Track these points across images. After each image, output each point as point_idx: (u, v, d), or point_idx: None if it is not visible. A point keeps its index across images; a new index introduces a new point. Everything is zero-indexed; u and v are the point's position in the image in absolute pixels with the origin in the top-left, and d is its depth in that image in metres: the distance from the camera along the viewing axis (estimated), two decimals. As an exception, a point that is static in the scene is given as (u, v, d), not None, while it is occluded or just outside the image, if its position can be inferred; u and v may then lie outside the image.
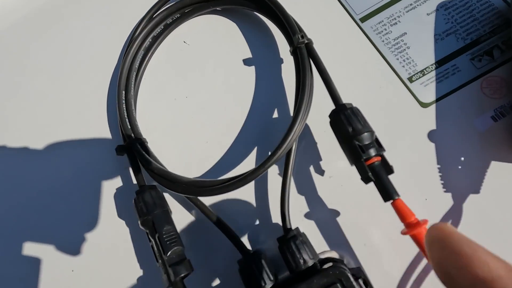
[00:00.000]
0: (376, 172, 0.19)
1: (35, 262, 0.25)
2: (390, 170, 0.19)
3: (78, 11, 0.32)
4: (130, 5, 0.31)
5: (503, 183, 0.22)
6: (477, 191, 0.22)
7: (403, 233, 0.18)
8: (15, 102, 0.30)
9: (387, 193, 0.18)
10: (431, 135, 0.23)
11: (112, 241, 0.25)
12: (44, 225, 0.26)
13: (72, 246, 0.25)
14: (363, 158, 0.19)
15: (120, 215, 0.25)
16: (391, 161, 0.19)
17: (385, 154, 0.20)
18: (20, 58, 0.31)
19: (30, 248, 0.25)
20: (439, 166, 0.23)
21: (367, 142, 0.19)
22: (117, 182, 0.27)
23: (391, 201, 0.18)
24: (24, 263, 0.25)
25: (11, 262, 0.25)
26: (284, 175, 0.23)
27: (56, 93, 0.30)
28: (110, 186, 0.26)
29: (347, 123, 0.20)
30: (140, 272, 0.24)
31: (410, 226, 0.18)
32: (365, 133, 0.19)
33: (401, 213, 0.18)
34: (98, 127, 0.28)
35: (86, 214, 0.26)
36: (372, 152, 0.19)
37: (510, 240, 0.21)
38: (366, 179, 0.19)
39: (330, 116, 0.21)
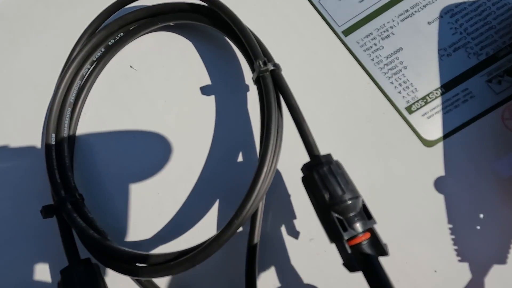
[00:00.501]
0: (364, 257, 0.13)
1: None
2: (383, 251, 0.14)
3: (4, 36, 0.27)
4: (67, 24, 0.26)
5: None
6: (502, 260, 0.16)
7: None
8: None
9: (377, 280, 0.13)
10: (439, 184, 0.18)
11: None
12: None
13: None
14: (344, 239, 0.14)
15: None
16: (382, 225, 0.14)
17: (376, 225, 0.15)
18: None
19: None
20: (450, 226, 0.17)
21: (350, 214, 0.14)
22: (48, 254, 0.21)
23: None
24: None
25: None
26: (250, 242, 0.18)
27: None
28: (41, 261, 0.21)
29: (323, 187, 0.14)
30: None
31: None
32: (348, 202, 0.14)
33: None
34: (30, 181, 0.23)
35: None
36: (358, 227, 0.14)
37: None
38: (349, 268, 0.14)
39: (302, 170, 0.16)
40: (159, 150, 0.22)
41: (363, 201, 0.15)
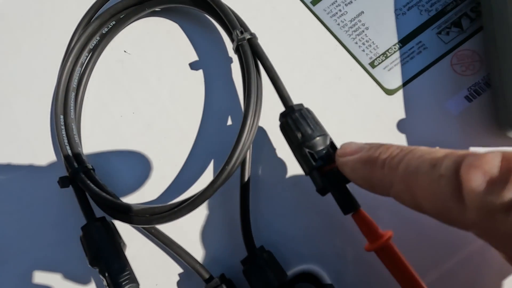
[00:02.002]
0: (332, 182, 0.16)
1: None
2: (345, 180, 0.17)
3: (4, 29, 0.29)
4: (64, 14, 0.28)
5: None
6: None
7: (366, 249, 0.16)
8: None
9: (345, 205, 0.16)
10: (401, 125, 0.21)
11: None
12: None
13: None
14: (314, 166, 0.16)
15: (72, 254, 0.23)
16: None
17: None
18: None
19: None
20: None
21: (319, 148, 0.17)
22: (68, 217, 0.24)
23: (352, 213, 0.16)
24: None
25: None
26: (242, 190, 0.20)
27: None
28: (60, 222, 0.24)
29: (295, 128, 0.17)
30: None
31: (373, 241, 0.15)
32: (317, 138, 0.17)
33: (362, 227, 0.16)
34: (44, 158, 0.26)
35: (30, 258, 0.23)
36: (323, 159, 0.17)
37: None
38: (321, 191, 0.17)
39: (279, 119, 0.19)
40: (156, 123, 0.25)
41: (330, 138, 0.17)
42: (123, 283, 0.19)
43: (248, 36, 0.21)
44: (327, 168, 0.16)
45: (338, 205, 0.16)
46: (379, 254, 0.15)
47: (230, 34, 0.22)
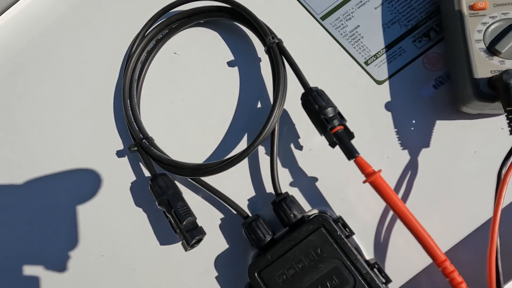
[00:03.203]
0: (340, 138, 0.24)
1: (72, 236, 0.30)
2: (351, 135, 0.24)
3: (77, 35, 0.37)
4: (124, 25, 0.36)
5: (445, 136, 0.27)
6: (427, 145, 0.27)
7: (364, 182, 0.23)
8: (35, 118, 0.34)
9: (350, 152, 0.23)
10: (387, 106, 0.28)
11: (132, 226, 0.29)
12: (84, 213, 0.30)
13: (98, 235, 0.30)
14: (328, 128, 0.24)
15: (138, 203, 0.30)
16: (354, 130, 0.24)
17: (348, 124, 0.25)
18: (25, 88, 0.36)
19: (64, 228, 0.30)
20: (396, 129, 0.28)
21: (331, 115, 0.24)
22: (131, 176, 0.31)
23: (353, 159, 0.23)
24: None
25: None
26: (271, 152, 0.27)
27: (69, 108, 0.34)
28: (125, 181, 0.31)
29: (314, 102, 0.25)
30: (160, 247, 0.29)
31: (368, 175, 0.22)
32: (329, 108, 0.24)
33: (361, 167, 0.23)
34: (108, 133, 0.33)
35: (109, 205, 0.30)
36: (336, 122, 0.24)
37: (453, 178, 0.26)
38: (332, 144, 0.24)
39: (301, 98, 0.26)
40: (201, 107, 0.32)
41: (337, 109, 0.25)
42: (185, 215, 0.25)
43: (277, 41, 0.28)
44: (336, 129, 0.24)
45: (344, 154, 0.24)
46: (373, 185, 0.22)
47: (262, 39, 0.30)
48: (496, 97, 0.23)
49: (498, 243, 0.20)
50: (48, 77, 0.36)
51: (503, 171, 0.21)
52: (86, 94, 0.35)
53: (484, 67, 0.23)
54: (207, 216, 0.28)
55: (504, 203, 0.21)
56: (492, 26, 0.24)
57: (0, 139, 0.34)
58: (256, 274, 0.24)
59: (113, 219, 0.30)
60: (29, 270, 0.30)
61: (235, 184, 0.29)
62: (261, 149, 0.30)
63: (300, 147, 0.29)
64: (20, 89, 0.36)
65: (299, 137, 0.29)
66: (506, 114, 0.22)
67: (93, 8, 0.37)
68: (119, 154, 0.32)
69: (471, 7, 0.24)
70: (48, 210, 0.31)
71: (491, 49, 0.23)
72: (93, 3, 0.37)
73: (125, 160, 0.32)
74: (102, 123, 0.33)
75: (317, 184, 0.28)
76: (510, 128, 0.22)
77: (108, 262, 0.29)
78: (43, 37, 0.37)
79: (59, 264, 0.30)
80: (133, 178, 0.31)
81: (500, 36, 0.23)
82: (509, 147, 0.21)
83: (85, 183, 0.32)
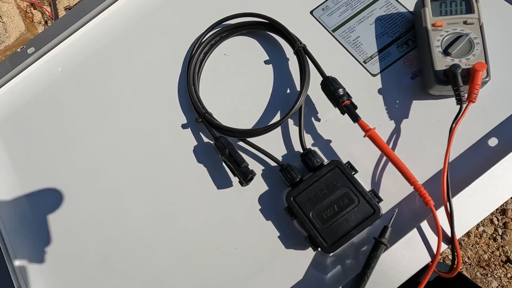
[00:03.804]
0: (348, 108, 0.36)
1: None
2: (355, 107, 0.36)
3: (150, 42, 0.49)
4: (187, 32, 0.49)
5: (419, 110, 0.39)
6: (406, 117, 0.39)
7: (364, 136, 0.35)
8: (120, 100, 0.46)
9: (355, 117, 0.35)
10: (379, 91, 0.41)
11: (196, 176, 0.41)
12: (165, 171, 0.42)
13: (169, 184, 0.41)
14: (340, 101, 0.36)
15: (200, 160, 0.42)
16: (356, 104, 0.37)
17: (353, 100, 0.37)
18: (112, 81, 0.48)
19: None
20: (386, 107, 0.40)
21: (341, 94, 0.36)
22: (193, 141, 0.43)
23: (357, 121, 0.35)
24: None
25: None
26: (299, 121, 0.39)
27: (144, 92, 0.46)
28: (190, 144, 0.43)
29: (330, 85, 0.37)
30: (217, 191, 0.40)
31: (367, 131, 0.34)
32: (340, 89, 0.37)
33: (362, 126, 0.35)
34: (175, 111, 0.45)
35: (180, 165, 0.42)
36: (345, 98, 0.36)
37: (423, 137, 0.38)
38: (342, 112, 0.36)
39: (321, 83, 0.39)
40: (245, 93, 0.44)
41: (346, 90, 0.37)
42: (242, 161, 0.37)
43: (303, 45, 0.41)
44: (345, 102, 0.36)
45: (351, 118, 0.36)
46: (370, 138, 0.34)
47: (291, 44, 0.42)
48: (449, 82, 0.35)
49: (448, 171, 0.32)
50: (127, 68, 0.48)
51: (453, 126, 0.33)
52: (157, 82, 0.47)
53: (441, 63, 0.36)
54: (252, 166, 0.40)
55: (452, 149, 0.33)
56: (446, 37, 0.36)
57: (95, 116, 0.46)
58: (292, 199, 0.35)
59: (181, 172, 0.42)
60: (114, 224, 0.41)
61: (273, 145, 0.41)
62: (290, 122, 0.42)
63: (318, 119, 0.41)
64: (104, 76, 0.48)
65: (317, 113, 0.41)
66: (454, 92, 0.34)
67: (163, 17, 0.50)
68: (184, 126, 0.44)
69: (433, 25, 0.37)
70: (133, 165, 0.43)
71: (445, 52, 0.36)
72: (163, 14, 0.50)
73: (188, 131, 0.44)
74: (170, 104, 0.45)
75: (331, 144, 0.40)
76: (456, 100, 0.34)
77: (178, 203, 0.41)
78: (126, 37, 0.50)
79: (145, 211, 0.41)
80: (195, 143, 0.43)
81: (451, 43, 0.36)
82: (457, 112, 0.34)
83: (160, 148, 0.43)
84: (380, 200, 0.34)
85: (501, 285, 1.17)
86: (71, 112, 0.48)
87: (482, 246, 1.26)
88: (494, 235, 1.26)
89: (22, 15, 1.11)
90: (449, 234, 0.32)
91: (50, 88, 0.49)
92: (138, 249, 0.40)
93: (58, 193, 0.44)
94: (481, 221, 1.29)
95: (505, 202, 1.23)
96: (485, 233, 1.26)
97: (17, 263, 0.42)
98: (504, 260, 1.21)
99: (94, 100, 0.48)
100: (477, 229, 1.27)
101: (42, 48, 0.49)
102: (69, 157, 0.45)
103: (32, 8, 1.22)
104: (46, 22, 1.21)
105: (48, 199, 0.44)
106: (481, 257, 1.23)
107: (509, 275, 1.19)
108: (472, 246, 1.26)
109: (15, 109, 0.49)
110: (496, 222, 1.29)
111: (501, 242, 1.23)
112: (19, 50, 0.50)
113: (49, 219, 0.43)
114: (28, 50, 0.49)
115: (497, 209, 1.29)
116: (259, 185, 0.40)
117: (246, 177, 0.36)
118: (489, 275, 1.21)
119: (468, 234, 1.24)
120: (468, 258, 1.24)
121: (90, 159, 0.45)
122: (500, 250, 1.23)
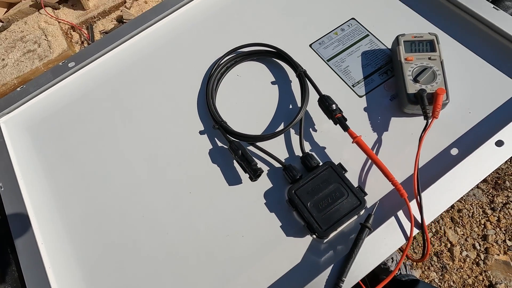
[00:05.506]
0: (340, 120, 0.45)
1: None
2: (345, 119, 0.45)
3: (174, 65, 0.58)
4: (206, 56, 0.58)
5: (396, 125, 0.48)
6: (386, 129, 0.48)
7: (352, 142, 0.43)
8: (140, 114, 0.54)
9: (345, 127, 0.44)
10: (365, 109, 0.50)
11: (211, 174, 0.48)
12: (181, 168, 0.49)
13: (188, 180, 0.48)
14: (333, 114, 0.45)
15: (214, 161, 0.49)
16: (346, 116, 0.46)
17: (344, 114, 0.46)
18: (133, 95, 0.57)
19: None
20: (370, 121, 0.49)
21: (334, 108, 0.45)
22: (209, 145, 0.51)
23: (346, 131, 0.44)
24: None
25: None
26: (300, 130, 0.48)
27: (169, 103, 0.55)
28: (206, 148, 0.50)
29: (325, 101, 0.46)
30: (228, 187, 0.47)
31: (355, 138, 0.43)
32: (333, 104, 0.46)
33: (350, 134, 0.43)
34: (193, 120, 0.53)
35: (197, 164, 0.49)
36: (337, 112, 0.45)
37: (399, 146, 0.46)
38: (335, 123, 0.45)
39: (318, 100, 0.48)
40: (253, 106, 0.53)
41: (338, 105, 0.46)
42: (252, 160, 0.45)
43: (304, 70, 0.51)
44: (337, 115, 0.45)
45: (342, 128, 0.44)
46: (357, 144, 0.43)
47: (294, 69, 0.52)
48: (417, 102, 0.44)
49: (418, 171, 0.40)
50: (155, 81, 0.57)
51: (422, 135, 0.42)
52: (180, 96, 0.55)
53: (412, 88, 0.46)
54: (259, 166, 0.47)
55: (422, 156, 0.42)
56: (415, 69, 0.47)
57: (122, 121, 0.54)
58: (293, 191, 0.43)
59: (197, 171, 0.49)
60: (135, 214, 0.48)
61: (277, 149, 0.49)
62: (292, 131, 0.50)
63: (315, 130, 0.49)
64: (134, 90, 0.56)
65: (315, 124, 0.50)
66: (421, 110, 0.43)
67: (187, 42, 0.60)
68: (201, 132, 0.52)
69: (406, 59, 0.47)
70: (156, 164, 0.50)
71: (415, 79, 0.46)
72: (187, 39, 0.60)
73: (204, 136, 0.52)
74: (189, 113, 0.54)
75: (325, 149, 0.48)
76: (423, 117, 0.43)
77: (194, 197, 0.47)
78: (154, 58, 0.59)
79: (164, 204, 0.48)
80: (210, 147, 0.51)
81: (419, 73, 0.46)
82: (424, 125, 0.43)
83: (180, 150, 0.51)
84: (365, 194, 0.42)
85: (484, 308, 1.21)
86: (103, 117, 0.55)
87: (466, 270, 1.31)
88: (477, 260, 1.31)
89: (64, 35, 1.23)
90: (420, 221, 0.39)
91: (84, 97, 0.57)
92: (156, 236, 0.46)
93: (88, 186, 0.50)
94: (464, 246, 1.36)
95: (485, 228, 1.31)
96: (469, 258, 1.32)
97: (44, 248, 0.47)
98: (487, 284, 1.25)
99: (123, 109, 0.55)
100: (460, 253, 1.33)
101: (81, 63, 0.58)
102: (99, 157, 0.52)
103: (72, 30, 1.35)
104: (82, 42, 1.33)
105: (79, 193, 0.50)
106: (466, 281, 1.28)
107: (492, 299, 1.23)
108: (456, 270, 1.30)
109: (53, 112, 0.57)
110: (478, 247, 1.35)
111: (484, 267, 1.29)
112: (60, 64, 0.58)
113: (79, 209, 0.49)
114: (69, 64, 0.58)
115: (478, 235, 1.37)
116: (264, 183, 0.47)
117: (255, 173, 0.44)
118: (473, 299, 1.25)
119: (452, 259, 1.30)
120: (453, 282, 1.28)
121: (118, 159, 0.52)
122: (483, 274, 1.28)
